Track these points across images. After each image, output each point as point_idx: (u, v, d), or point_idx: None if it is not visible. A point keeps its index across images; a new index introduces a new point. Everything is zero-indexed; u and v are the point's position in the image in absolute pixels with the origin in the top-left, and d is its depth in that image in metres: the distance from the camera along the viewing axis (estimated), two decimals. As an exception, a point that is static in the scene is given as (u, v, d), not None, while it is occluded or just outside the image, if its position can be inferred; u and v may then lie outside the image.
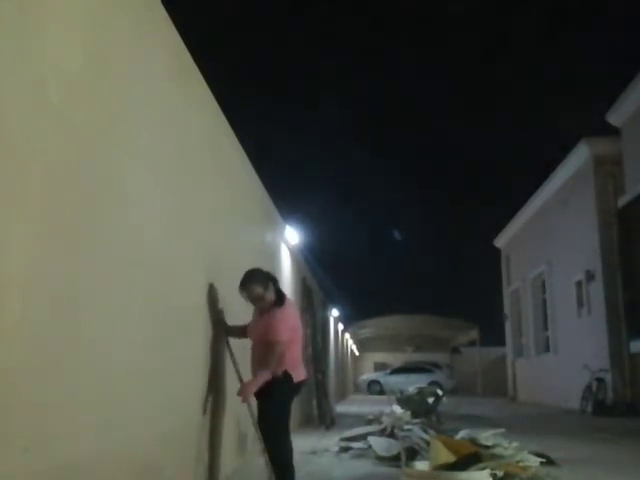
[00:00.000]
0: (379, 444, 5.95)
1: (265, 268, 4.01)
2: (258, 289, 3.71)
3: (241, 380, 3.83)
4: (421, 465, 3.99)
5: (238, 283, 3.78)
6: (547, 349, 17.35)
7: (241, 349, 4.05)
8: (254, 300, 3.76)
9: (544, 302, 17.90)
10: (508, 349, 22.14)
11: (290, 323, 3.74)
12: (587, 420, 11.17)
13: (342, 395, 20.78)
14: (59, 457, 2.03)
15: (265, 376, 3.55)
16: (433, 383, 20.53)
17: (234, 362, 3.97)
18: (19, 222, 1.83)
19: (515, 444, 5.27)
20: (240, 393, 3.62)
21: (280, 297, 3.79)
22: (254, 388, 3.58)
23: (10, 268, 1.78)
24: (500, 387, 23.21)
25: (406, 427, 6.46)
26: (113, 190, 2.52)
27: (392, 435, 6.36)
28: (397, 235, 58.85)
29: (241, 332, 4.00)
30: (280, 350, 3.58)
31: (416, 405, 9.11)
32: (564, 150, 14.87)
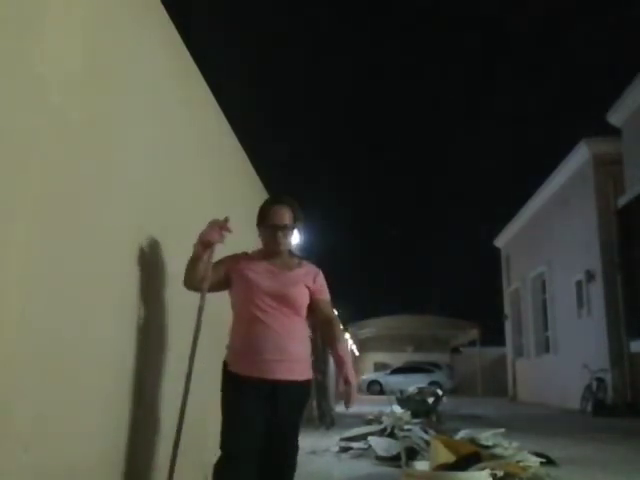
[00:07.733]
0: (379, 444, 5.95)
1: None
2: (289, 218, 2.82)
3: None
4: (421, 465, 4.00)
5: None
6: (547, 349, 17.36)
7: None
8: (276, 229, 2.78)
9: (544, 302, 17.92)
10: (508, 349, 22.16)
11: None
12: (587, 420, 11.17)
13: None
14: (59, 457, 2.03)
15: (348, 351, 2.71)
16: (433, 383, 20.58)
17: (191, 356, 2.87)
18: (19, 222, 1.83)
19: (515, 444, 5.28)
20: (350, 399, 2.79)
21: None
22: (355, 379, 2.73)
23: (10, 268, 1.78)
24: (500, 387, 23.23)
25: (406, 427, 6.47)
26: (113, 190, 2.52)
27: (392, 435, 6.37)
28: (397, 235, 58.86)
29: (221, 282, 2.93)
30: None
31: (416, 405, 9.13)
32: (564, 150, 14.90)
